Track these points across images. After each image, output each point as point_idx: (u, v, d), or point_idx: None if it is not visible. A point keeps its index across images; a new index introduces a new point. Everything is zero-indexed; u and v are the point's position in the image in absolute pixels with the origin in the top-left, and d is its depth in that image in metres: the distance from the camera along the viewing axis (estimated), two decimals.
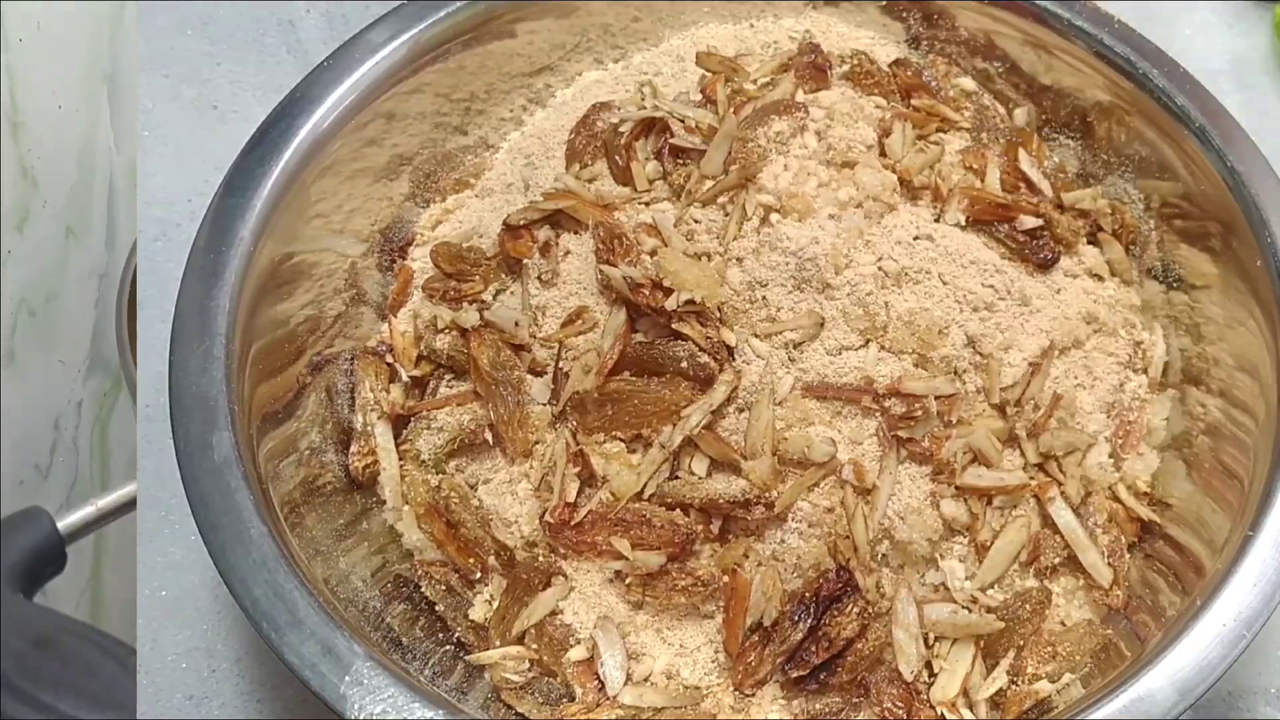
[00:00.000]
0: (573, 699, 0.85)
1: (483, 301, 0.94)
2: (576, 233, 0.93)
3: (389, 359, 0.96)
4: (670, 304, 0.85)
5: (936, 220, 0.94)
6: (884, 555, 0.85)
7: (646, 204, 0.92)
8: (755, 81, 1.02)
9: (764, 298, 0.87)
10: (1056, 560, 0.87)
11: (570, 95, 1.09)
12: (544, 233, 0.94)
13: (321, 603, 0.75)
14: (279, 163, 0.89)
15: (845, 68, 1.04)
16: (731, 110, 0.96)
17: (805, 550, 0.84)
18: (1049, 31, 0.99)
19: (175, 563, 0.98)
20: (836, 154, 0.94)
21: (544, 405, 0.89)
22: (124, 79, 1.49)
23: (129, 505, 1.19)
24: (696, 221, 0.90)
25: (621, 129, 0.96)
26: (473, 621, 0.89)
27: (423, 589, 0.90)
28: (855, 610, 0.82)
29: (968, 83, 1.07)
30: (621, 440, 0.87)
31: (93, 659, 1.04)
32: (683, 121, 0.95)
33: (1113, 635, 0.86)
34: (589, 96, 1.05)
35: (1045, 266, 0.94)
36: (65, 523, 1.18)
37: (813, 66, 1.02)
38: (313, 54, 1.11)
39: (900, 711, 0.82)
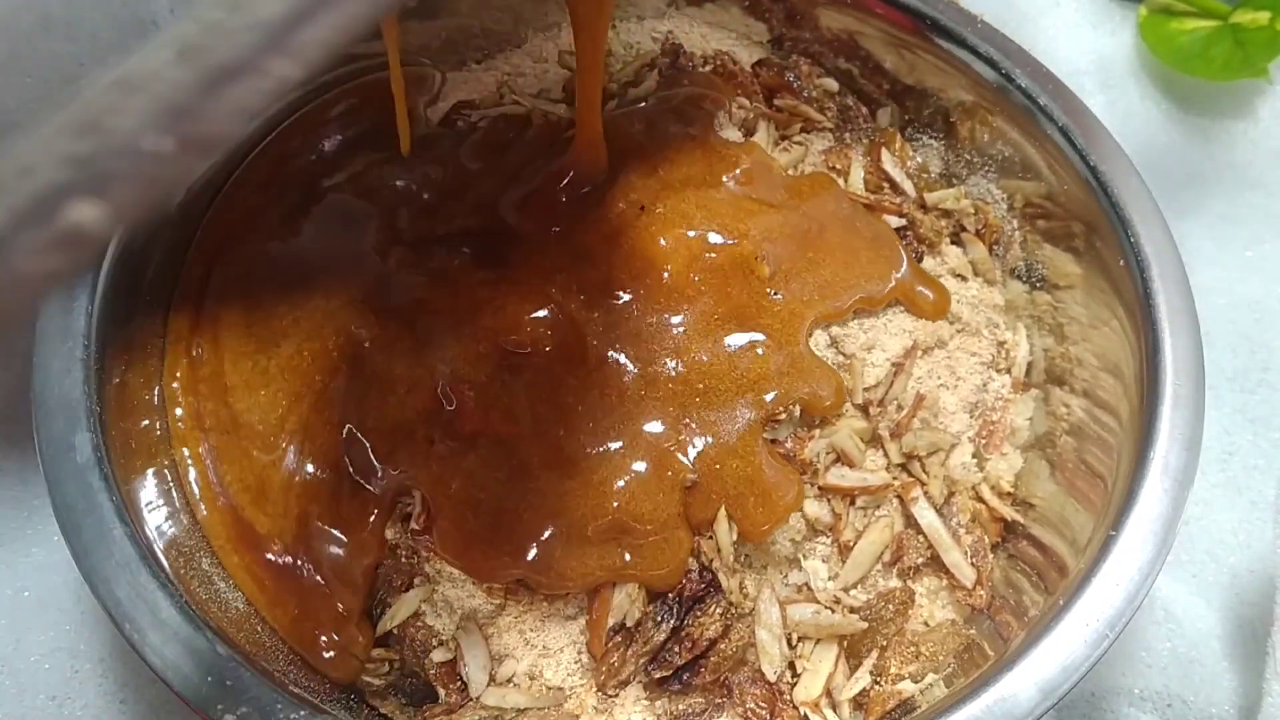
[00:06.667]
0: (436, 700, 0.84)
1: None
2: None
3: None
4: None
5: None
6: (747, 556, 0.85)
7: None
8: (618, 81, 1.02)
9: None
10: (920, 560, 0.87)
11: None
12: None
13: (184, 604, 0.74)
14: None
15: (708, 68, 1.04)
16: None
17: None
18: (912, 31, 0.99)
19: (38, 564, 0.97)
20: None
21: None
22: None
23: None
24: None
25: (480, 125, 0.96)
26: None
27: None
28: (718, 611, 0.82)
29: (830, 83, 1.07)
30: None
31: None
32: (545, 116, 0.95)
33: (976, 635, 0.86)
34: (450, 96, 1.05)
35: None
36: None
37: (675, 68, 1.02)
38: None
39: (763, 712, 0.82)
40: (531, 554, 0.82)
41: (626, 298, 0.86)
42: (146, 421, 0.86)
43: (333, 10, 0.41)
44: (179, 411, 0.87)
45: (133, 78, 0.39)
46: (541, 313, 0.85)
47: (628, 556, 0.81)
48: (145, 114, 0.37)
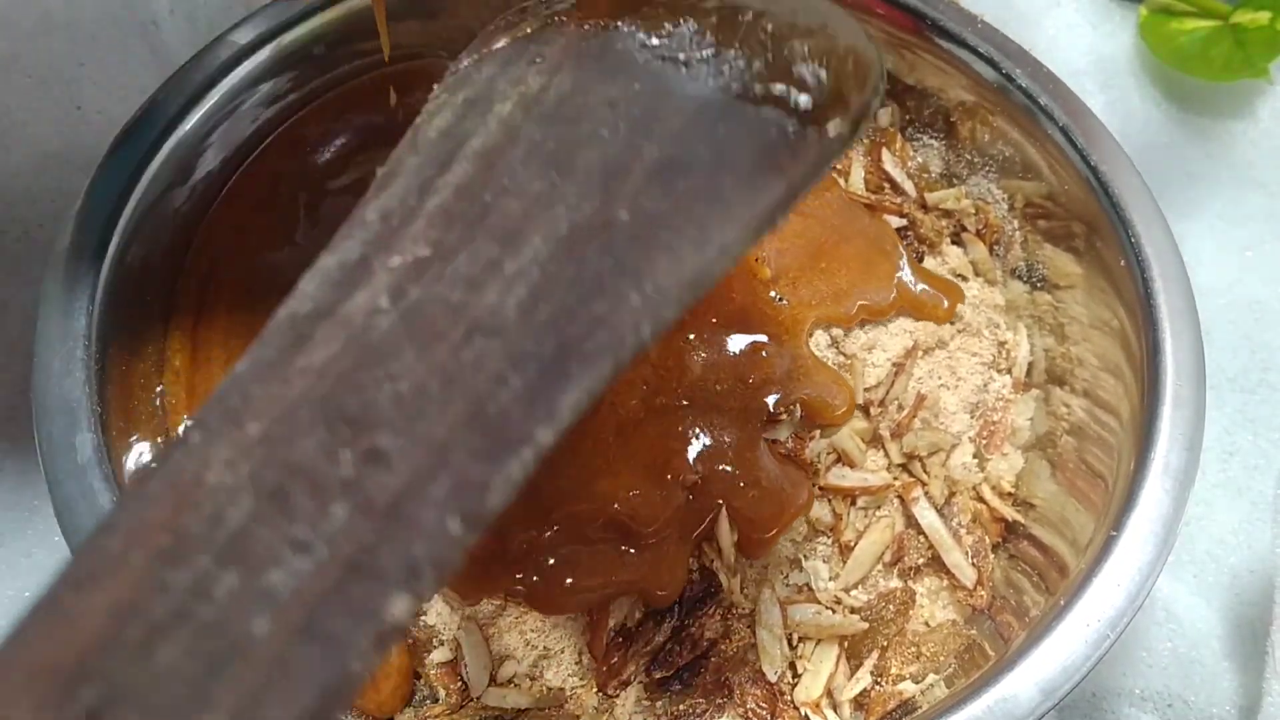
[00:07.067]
0: (436, 700, 0.84)
1: None
2: None
3: None
4: None
5: None
6: (747, 556, 0.85)
7: None
8: None
9: None
10: (920, 561, 0.87)
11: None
12: None
13: None
14: (143, 165, 0.87)
15: None
16: None
17: None
18: (912, 31, 0.99)
19: (39, 563, 0.96)
20: None
21: None
22: None
23: None
24: None
25: None
26: None
27: None
28: (719, 611, 0.82)
29: None
30: None
31: None
32: None
33: (977, 636, 0.86)
34: None
35: None
36: None
37: None
38: (177, 55, 1.09)
39: (764, 712, 0.82)
40: (525, 572, 0.81)
41: None
42: (149, 426, 0.86)
43: (587, 370, 0.40)
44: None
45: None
46: None
47: (626, 570, 0.81)
48: (439, 484, 0.37)
